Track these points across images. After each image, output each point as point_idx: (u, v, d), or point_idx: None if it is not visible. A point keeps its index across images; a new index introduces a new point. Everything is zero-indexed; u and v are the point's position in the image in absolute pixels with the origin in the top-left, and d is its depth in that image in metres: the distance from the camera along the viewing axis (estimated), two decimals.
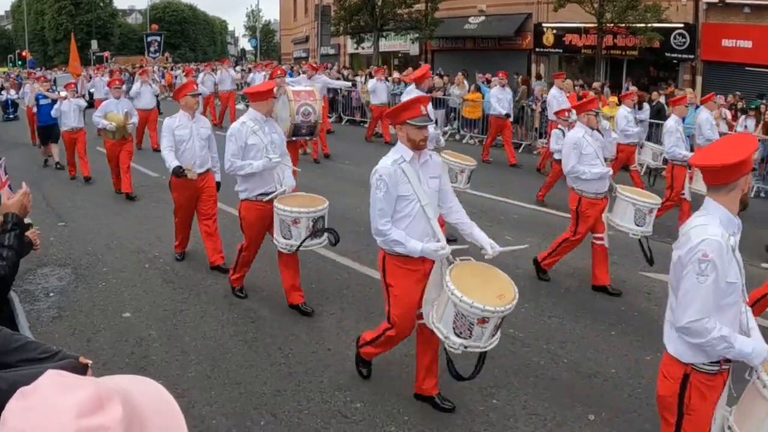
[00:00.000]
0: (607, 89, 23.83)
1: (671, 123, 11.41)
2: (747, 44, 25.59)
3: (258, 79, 23.16)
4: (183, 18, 79.71)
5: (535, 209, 12.72)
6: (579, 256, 9.00)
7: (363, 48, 37.01)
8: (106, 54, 62.81)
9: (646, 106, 18.39)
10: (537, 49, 32.10)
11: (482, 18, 33.95)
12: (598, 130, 8.69)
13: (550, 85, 25.19)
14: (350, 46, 41.07)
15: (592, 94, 18.88)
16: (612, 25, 26.16)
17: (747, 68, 24.64)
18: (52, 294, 8.04)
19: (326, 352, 6.53)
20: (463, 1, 34.60)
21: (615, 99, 18.77)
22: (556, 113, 13.14)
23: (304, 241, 7.02)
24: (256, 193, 7.30)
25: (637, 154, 14.42)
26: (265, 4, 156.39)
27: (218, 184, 9.02)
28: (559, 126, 12.59)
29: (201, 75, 25.42)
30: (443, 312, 4.88)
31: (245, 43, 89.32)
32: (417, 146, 5.22)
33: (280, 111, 11.20)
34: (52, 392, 1.03)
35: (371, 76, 23.09)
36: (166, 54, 58.05)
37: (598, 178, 8.28)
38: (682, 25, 27.04)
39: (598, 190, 8.39)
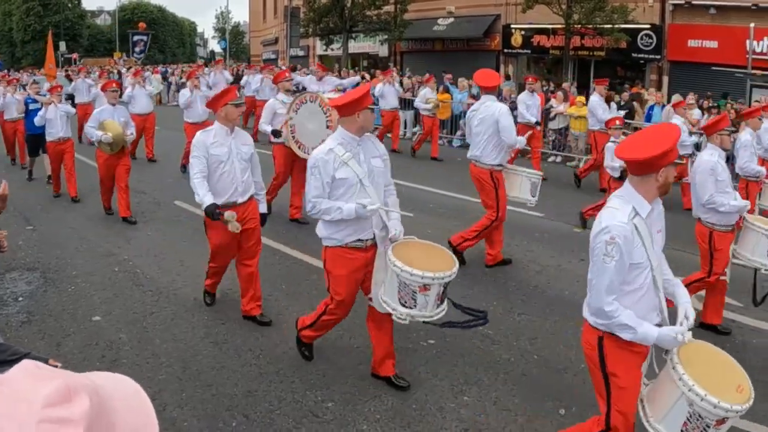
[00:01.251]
0: (574, 89, 24.02)
1: (746, 137, 10.67)
2: (713, 44, 25.99)
3: (254, 83, 21.67)
4: (152, 19, 79.00)
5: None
6: (547, 254, 9.06)
7: (332, 49, 36.99)
8: (75, 56, 62.19)
9: (613, 105, 18.54)
10: (505, 50, 32.29)
11: (451, 19, 34.10)
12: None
13: (520, 86, 25.44)
14: (319, 48, 41.01)
15: (560, 94, 19.11)
16: (580, 26, 26.40)
17: (713, 68, 24.92)
18: (21, 298, 7.97)
19: (296, 352, 6.52)
20: (432, 2, 34.73)
21: (582, 98, 19.04)
22: (608, 123, 12.46)
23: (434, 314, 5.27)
24: (350, 240, 5.62)
25: (689, 166, 13.17)
26: (234, 6, 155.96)
27: (264, 216, 7.31)
28: (612, 139, 11.68)
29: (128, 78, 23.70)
30: (387, 285, 5.27)
31: (214, 45, 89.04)
32: (665, 190, 4.20)
33: (305, 120, 10.38)
34: (24, 381, 1.04)
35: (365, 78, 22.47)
36: (133, 56, 57.49)
37: (736, 211, 7.22)
38: (648, 26, 27.35)
39: (730, 222, 7.35)
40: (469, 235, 9.17)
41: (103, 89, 12.69)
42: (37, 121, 12.94)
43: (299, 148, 10.57)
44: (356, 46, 38.26)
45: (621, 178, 10.80)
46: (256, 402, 5.62)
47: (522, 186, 9.49)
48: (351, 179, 5.45)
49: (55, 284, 8.44)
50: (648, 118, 18.76)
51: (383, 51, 38.36)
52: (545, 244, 8.82)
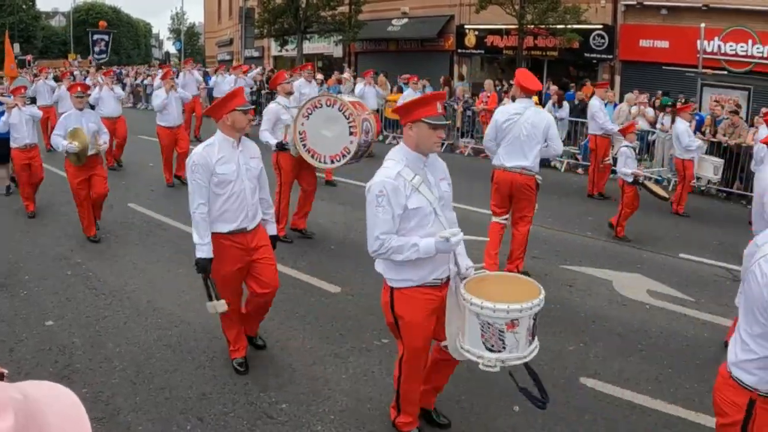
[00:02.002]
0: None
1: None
2: (664, 44, 26.45)
3: (227, 83, 20.85)
4: (107, 21, 78.23)
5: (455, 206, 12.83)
6: (503, 252, 9.13)
7: (287, 50, 36.93)
8: (29, 57, 61.17)
9: (565, 104, 18.89)
10: (459, 51, 32.45)
11: (405, 20, 34.19)
12: None
13: (476, 85, 25.66)
14: (274, 49, 40.88)
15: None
16: (533, 26, 26.68)
17: (664, 67, 25.35)
18: None
19: (250, 353, 6.52)
20: (387, 3, 34.80)
21: (536, 98, 19.19)
22: (624, 131, 11.84)
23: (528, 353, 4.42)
24: (428, 280, 4.71)
25: (695, 168, 13.94)
26: (189, 7, 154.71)
27: (274, 239, 6.37)
28: (626, 144, 11.38)
29: (157, 79, 22.91)
30: (467, 330, 4.39)
31: (170, 47, 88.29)
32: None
33: (319, 127, 9.39)
34: None
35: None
36: (89, 57, 56.53)
37: None
38: (601, 27, 27.68)
39: None
40: (522, 254, 8.89)
41: (70, 91, 10.79)
42: None
43: (313, 157, 9.63)
44: (311, 47, 38.21)
45: (635, 183, 11.00)
46: (210, 405, 5.61)
47: None
48: (424, 208, 4.56)
49: (6, 289, 8.32)
50: None
51: (338, 52, 38.36)
52: (500, 239, 8.87)
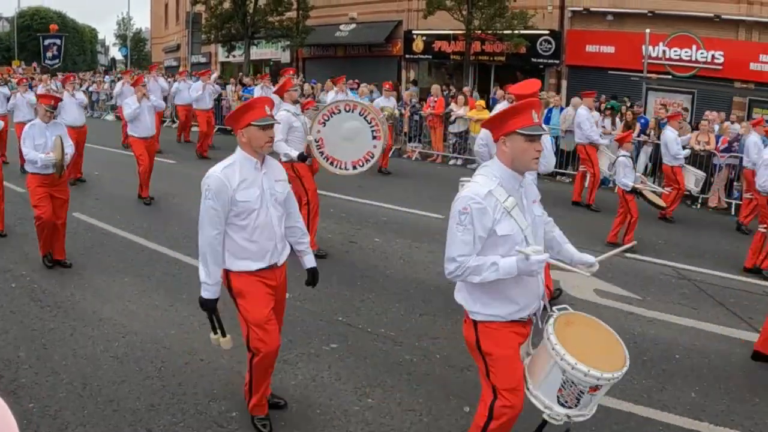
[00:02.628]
0: (476, 93, 24.52)
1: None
2: (610, 50, 27.09)
3: (195, 90, 19.94)
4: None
5: (405, 211, 12.92)
6: None
7: (234, 56, 36.70)
8: None
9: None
10: (407, 56, 32.71)
11: (353, 25, 34.26)
12: None
13: (424, 90, 25.76)
14: (221, 54, 40.66)
15: (461, 98, 19.44)
16: (480, 32, 26.96)
17: (610, 72, 25.82)
18: None
19: (199, 362, 6.49)
20: (335, 8, 34.88)
21: (482, 102, 19.46)
22: (621, 140, 11.71)
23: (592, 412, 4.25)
24: (516, 317, 4.24)
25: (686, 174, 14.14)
26: (136, 12, 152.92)
27: (314, 273, 5.55)
28: (624, 153, 11.31)
29: (118, 85, 22.48)
30: (545, 377, 4.10)
31: (116, 52, 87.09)
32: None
33: (336, 133, 9.29)
34: None
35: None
36: (33, 64, 55.40)
37: None
38: (548, 32, 28.17)
39: None
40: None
41: (41, 102, 9.61)
42: None
43: (332, 164, 9.54)
44: (258, 52, 38.11)
45: (632, 192, 11.12)
46: (159, 415, 5.55)
47: None
48: (515, 236, 4.04)
49: None
50: (547, 120, 19.21)
51: (285, 57, 38.24)
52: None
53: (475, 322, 4.27)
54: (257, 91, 19.89)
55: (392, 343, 7.06)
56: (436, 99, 20.52)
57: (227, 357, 6.52)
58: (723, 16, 25.43)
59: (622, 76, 25.10)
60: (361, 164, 9.41)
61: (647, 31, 24.64)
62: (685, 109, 21.75)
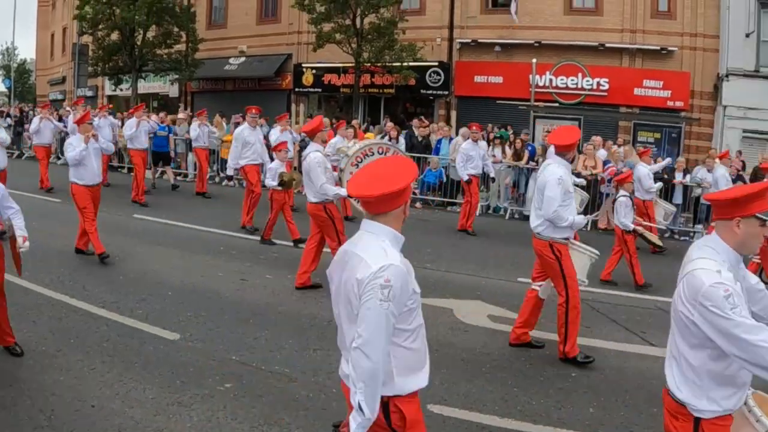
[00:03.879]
0: (370, 126, 24.65)
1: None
2: (498, 80, 27.87)
3: (108, 128, 19.04)
4: None
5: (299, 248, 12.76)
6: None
7: (121, 89, 35.96)
8: None
9: (401, 140, 19.34)
10: (297, 89, 32.64)
11: (243, 59, 34.05)
12: None
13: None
14: (108, 88, 39.73)
15: (350, 131, 19.40)
16: (369, 64, 27.11)
17: (498, 101, 26.48)
18: None
19: (90, 409, 6.15)
20: (224, 42, 34.58)
21: (371, 135, 19.54)
22: (621, 181, 11.62)
23: None
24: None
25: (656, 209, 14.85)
26: (21, 41, 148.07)
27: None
28: (624, 194, 11.29)
29: (35, 120, 19.83)
30: None
31: None
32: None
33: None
34: None
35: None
36: None
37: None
38: (437, 64, 28.71)
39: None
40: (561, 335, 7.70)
41: None
42: None
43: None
44: (146, 86, 37.36)
45: (632, 232, 11.32)
46: None
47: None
48: None
49: None
50: (436, 151, 19.50)
51: (174, 91, 37.70)
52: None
53: (696, 420, 3.76)
54: (275, 134, 16.72)
55: (287, 380, 6.90)
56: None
57: (118, 401, 6.24)
58: (607, 45, 26.69)
59: (510, 105, 25.78)
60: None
61: (534, 60, 25.43)
62: None
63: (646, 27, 26.73)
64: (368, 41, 26.56)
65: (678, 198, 17.19)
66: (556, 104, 26.99)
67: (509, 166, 18.65)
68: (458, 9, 28.87)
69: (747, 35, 25.75)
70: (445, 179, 19.26)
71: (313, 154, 9.67)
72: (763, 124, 25.29)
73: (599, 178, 16.85)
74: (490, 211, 18.87)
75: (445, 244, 13.82)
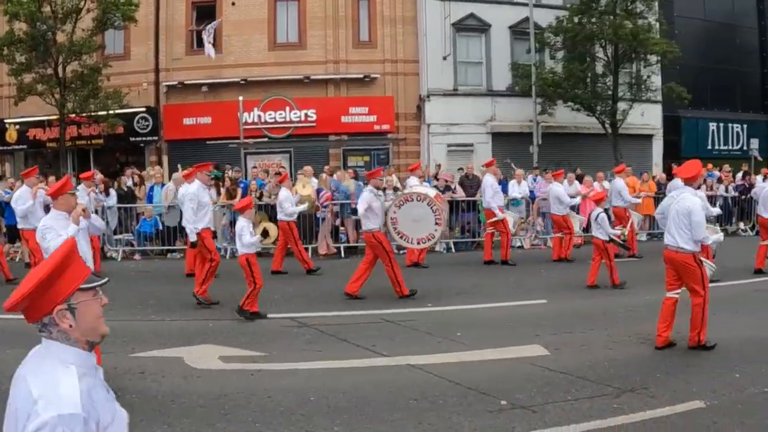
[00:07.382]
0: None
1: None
2: (207, 120, 28.23)
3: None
4: None
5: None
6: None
7: None
8: None
9: (112, 192, 19.05)
10: (1, 147, 30.61)
11: None
12: None
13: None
14: None
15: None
16: (74, 115, 26.11)
17: (208, 142, 26.91)
18: None
19: None
20: None
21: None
22: (597, 200, 14.01)
23: None
24: None
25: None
26: None
27: None
28: (600, 210, 13.70)
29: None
30: None
31: None
32: None
33: (408, 216, 12.53)
34: None
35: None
36: None
37: None
38: (144, 109, 28.57)
39: None
40: (698, 325, 9.34)
41: None
42: None
43: (402, 237, 12.76)
44: None
45: (611, 241, 13.78)
46: None
47: None
48: None
49: None
50: (150, 199, 19.43)
51: None
52: None
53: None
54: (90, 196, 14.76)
55: None
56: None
57: None
58: (312, 77, 28.24)
59: (220, 145, 26.30)
60: (423, 241, 12.75)
61: (241, 98, 26.10)
62: (283, 167, 23.49)
63: (349, 57, 28.68)
64: (72, 90, 25.45)
65: None
66: (266, 139, 27.96)
67: (223, 206, 18.43)
68: (163, 51, 28.93)
69: (444, 58, 28.81)
70: (161, 227, 18.84)
71: (367, 192, 12.89)
72: (464, 137, 28.75)
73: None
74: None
75: (168, 292, 13.59)
